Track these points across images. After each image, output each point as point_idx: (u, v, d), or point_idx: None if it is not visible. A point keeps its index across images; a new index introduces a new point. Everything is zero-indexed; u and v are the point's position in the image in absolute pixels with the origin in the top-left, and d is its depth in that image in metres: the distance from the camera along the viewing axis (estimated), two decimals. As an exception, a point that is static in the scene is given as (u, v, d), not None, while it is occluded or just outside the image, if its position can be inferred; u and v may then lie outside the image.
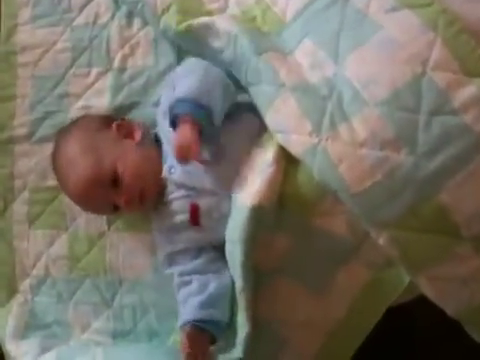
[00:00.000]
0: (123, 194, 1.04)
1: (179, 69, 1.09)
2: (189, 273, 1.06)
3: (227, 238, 0.99)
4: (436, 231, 0.85)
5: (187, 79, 1.00)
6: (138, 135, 1.11)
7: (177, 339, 1.12)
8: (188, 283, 1.06)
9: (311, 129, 0.90)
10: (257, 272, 0.99)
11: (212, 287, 1.03)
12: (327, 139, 0.88)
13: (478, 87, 0.83)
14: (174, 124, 0.98)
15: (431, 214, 0.85)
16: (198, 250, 1.08)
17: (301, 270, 0.98)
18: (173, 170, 1.06)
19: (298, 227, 0.95)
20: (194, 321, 1.00)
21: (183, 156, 0.94)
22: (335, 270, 0.96)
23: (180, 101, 0.97)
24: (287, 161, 0.95)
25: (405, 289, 0.94)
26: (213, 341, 1.02)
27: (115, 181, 1.05)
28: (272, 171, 0.93)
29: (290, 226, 0.96)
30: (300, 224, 0.95)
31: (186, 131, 0.94)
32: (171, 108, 0.98)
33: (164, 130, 1.09)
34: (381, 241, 0.87)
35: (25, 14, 1.30)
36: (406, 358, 1.35)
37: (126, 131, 1.11)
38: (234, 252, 0.97)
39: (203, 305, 1.01)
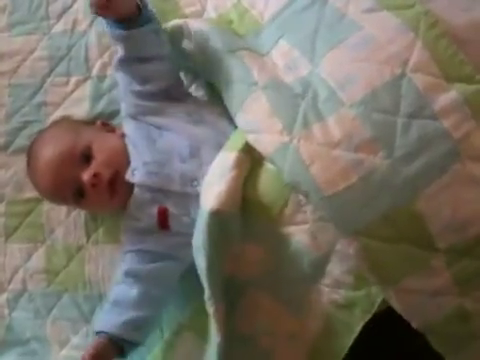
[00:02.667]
0: (92, 169, 1.01)
1: None
2: (135, 275, 1.04)
3: (193, 245, 0.96)
4: (410, 241, 0.83)
5: None
6: (120, 132, 1.11)
7: (157, 355, 1.09)
8: (129, 287, 1.03)
9: (282, 127, 0.87)
10: (234, 283, 0.96)
11: (146, 308, 1.02)
12: (299, 139, 0.86)
13: (459, 92, 0.81)
14: None
15: (405, 223, 0.82)
16: (160, 256, 1.04)
17: (276, 285, 0.96)
18: (135, 172, 1.03)
19: (266, 236, 0.93)
20: (112, 335, 0.98)
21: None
22: (306, 290, 0.93)
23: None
24: (252, 165, 0.93)
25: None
26: (120, 356, 1.00)
27: (87, 157, 1.02)
28: (233, 175, 0.91)
29: (259, 235, 0.94)
30: (267, 233, 0.92)
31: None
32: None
33: (129, 133, 1.07)
34: (351, 250, 0.84)
35: (1, 21, 1.28)
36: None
37: (109, 128, 1.12)
38: (199, 258, 0.94)
39: (129, 325, 1.00)
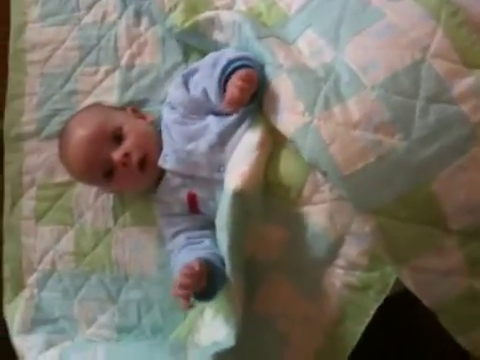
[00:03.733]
0: (123, 149, 1.04)
1: (203, 61, 1.08)
2: (199, 237, 1.06)
3: (216, 226, 0.99)
4: (424, 222, 0.85)
5: (227, 52, 1.02)
6: (150, 118, 1.14)
7: (180, 334, 1.12)
8: (199, 242, 1.04)
9: (304, 108, 0.90)
10: (255, 265, 0.99)
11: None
12: (320, 119, 0.88)
13: (477, 78, 0.83)
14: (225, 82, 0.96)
15: (421, 203, 0.84)
16: (203, 226, 1.08)
17: (294, 268, 0.98)
18: (167, 158, 1.06)
19: (286, 217, 0.95)
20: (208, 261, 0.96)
21: (248, 80, 0.92)
22: (322, 273, 0.96)
23: (233, 60, 0.96)
24: (274, 146, 0.96)
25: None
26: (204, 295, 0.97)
27: (118, 138, 1.05)
28: (256, 156, 0.94)
29: (279, 216, 0.96)
30: (287, 213, 0.95)
31: (249, 71, 0.93)
32: (224, 68, 0.96)
33: (166, 120, 1.09)
34: (367, 229, 0.87)
35: (34, 12, 1.32)
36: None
37: (140, 114, 1.15)
38: (221, 238, 0.96)
39: (214, 255, 0.98)
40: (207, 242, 1.04)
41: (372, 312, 0.94)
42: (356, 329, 0.96)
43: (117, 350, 1.16)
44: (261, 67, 0.98)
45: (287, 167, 0.95)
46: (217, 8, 1.16)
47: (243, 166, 0.94)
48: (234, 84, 0.92)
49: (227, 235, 0.94)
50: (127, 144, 1.05)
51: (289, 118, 0.92)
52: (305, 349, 1.01)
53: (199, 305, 1.08)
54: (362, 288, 0.94)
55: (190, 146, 1.04)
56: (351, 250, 0.92)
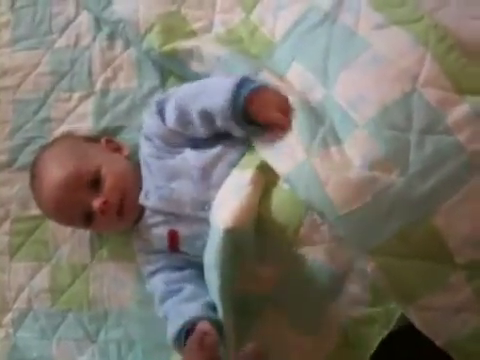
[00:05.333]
0: (102, 197, 0.99)
1: (179, 89, 1.02)
2: (178, 281, 1.01)
3: (205, 264, 0.94)
4: (428, 258, 0.82)
5: (215, 79, 0.99)
6: (126, 151, 1.09)
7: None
8: (178, 291, 0.99)
9: (300, 147, 0.87)
10: (248, 300, 0.95)
11: (208, 297, 0.94)
12: (317, 159, 0.85)
13: (471, 105, 0.80)
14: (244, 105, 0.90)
15: (423, 239, 0.81)
16: (182, 266, 1.03)
17: (291, 303, 0.94)
18: (149, 196, 1.02)
19: (281, 255, 0.91)
20: (199, 318, 0.90)
21: (285, 109, 0.89)
22: (324, 308, 0.92)
23: (245, 80, 0.91)
24: (266, 184, 0.92)
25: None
26: None
27: (96, 182, 1.00)
28: (248, 192, 0.89)
29: (273, 254, 0.92)
30: (282, 252, 0.91)
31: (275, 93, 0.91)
32: (237, 90, 0.90)
33: (144, 154, 1.05)
34: (369, 269, 0.84)
35: (5, 36, 1.26)
36: None
37: (115, 146, 1.10)
38: (211, 278, 0.92)
39: (211, 307, 0.92)
40: (187, 291, 0.98)
41: (376, 344, 0.91)
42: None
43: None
44: None
45: (282, 205, 0.90)
46: (194, 31, 1.12)
47: (234, 202, 0.88)
48: None
49: (218, 275, 0.89)
50: (106, 190, 1.00)
51: (284, 156, 0.88)
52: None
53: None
54: (365, 322, 0.90)
55: (172, 183, 0.99)
56: (354, 286, 0.89)
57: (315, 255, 0.88)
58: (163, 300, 1.00)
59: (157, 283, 1.02)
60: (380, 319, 0.89)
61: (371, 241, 0.82)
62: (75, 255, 1.18)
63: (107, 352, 1.15)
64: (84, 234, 1.18)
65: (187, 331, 0.90)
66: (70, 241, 1.18)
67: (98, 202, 0.99)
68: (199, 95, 0.95)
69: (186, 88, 1.00)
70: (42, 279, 1.19)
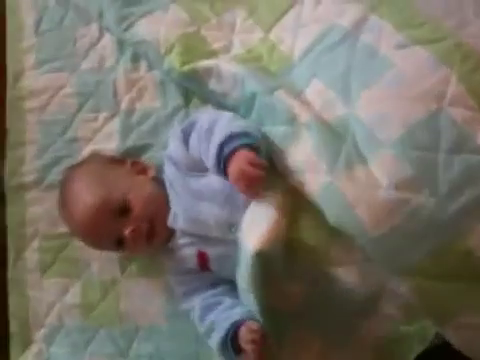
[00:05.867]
0: (131, 224, 1.00)
1: (200, 119, 1.02)
2: (214, 296, 1.03)
3: (239, 287, 0.96)
4: (462, 278, 0.82)
5: (223, 120, 0.96)
6: (152, 172, 1.10)
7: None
8: (218, 303, 1.01)
9: (325, 168, 0.87)
10: (280, 318, 0.95)
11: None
12: (343, 180, 0.85)
13: None
14: (225, 163, 0.90)
15: (456, 259, 0.81)
16: (215, 283, 1.05)
17: (322, 320, 0.94)
18: (177, 218, 1.02)
19: (311, 276, 0.91)
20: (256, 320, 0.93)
21: (252, 184, 0.88)
22: (356, 325, 0.92)
23: (231, 137, 0.90)
24: (294, 205, 0.91)
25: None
26: None
27: (124, 210, 1.01)
28: (276, 215, 0.89)
29: (302, 274, 0.92)
30: (314, 272, 0.91)
31: (251, 156, 0.87)
32: (221, 146, 0.90)
33: (169, 176, 1.06)
34: (403, 290, 0.84)
35: (30, 59, 1.29)
36: None
37: (140, 168, 1.10)
38: (248, 300, 0.93)
39: (251, 314, 0.94)
40: (227, 302, 1.00)
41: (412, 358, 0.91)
42: None
43: None
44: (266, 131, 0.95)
45: (311, 227, 0.90)
46: (214, 51, 1.13)
47: (262, 225, 0.89)
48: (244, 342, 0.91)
49: (254, 297, 0.90)
50: (135, 217, 1.01)
51: (310, 178, 0.88)
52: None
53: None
54: (400, 340, 0.90)
55: (198, 206, 1.00)
56: (388, 306, 0.89)
57: (347, 276, 0.88)
58: (204, 315, 1.01)
59: (194, 301, 1.04)
60: (415, 336, 0.88)
61: (403, 262, 0.82)
62: (105, 271, 1.20)
63: (139, 367, 1.17)
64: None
65: (235, 333, 0.93)
66: (100, 258, 1.20)
67: (128, 230, 1.00)
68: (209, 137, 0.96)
69: (205, 121, 0.99)
70: (73, 295, 1.21)
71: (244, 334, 0.91)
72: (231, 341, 0.94)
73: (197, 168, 1.02)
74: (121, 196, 1.02)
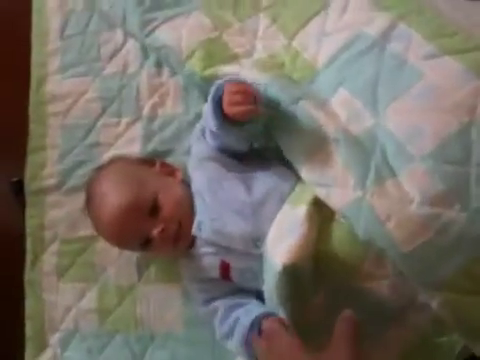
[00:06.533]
0: (160, 225, 1.00)
1: None
2: (240, 298, 1.02)
3: (266, 298, 0.94)
4: None
5: None
6: (180, 175, 1.10)
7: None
8: (241, 305, 1.00)
9: (354, 182, 0.86)
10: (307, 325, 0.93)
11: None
12: (372, 194, 0.84)
13: None
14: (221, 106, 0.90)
15: None
16: (237, 291, 1.03)
17: None
18: (202, 227, 1.01)
19: (342, 289, 0.90)
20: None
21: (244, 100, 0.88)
22: (383, 333, 0.90)
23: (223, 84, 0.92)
24: (323, 219, 0.90)
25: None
26: None
27: (154, 210, 1.01)
28: (304, 229, 0.87)
29: (334, 288, 0.90)
30: (344, 286, 0.89)
31: (233, 84, 0.89)
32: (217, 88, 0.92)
33: (196, 184, 1.05)
34: (434, 305, 0.82)
35: (54, 63, 1.30)
36: None
37: (169, 170, 1.11)
38: (278, 312, 0.91)
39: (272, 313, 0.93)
40: (250, 304, 0.99)
41: None
42: None
43: None
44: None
45: (342, 241, 0.89)
46: (235, 55, 1.12)
47: (290, 240, 0.87)
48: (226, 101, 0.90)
49: (285, 312, 0.89)
50: (164, 217, 1.01)
51: (339, 193, 0.87)
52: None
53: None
54: (427, 351, 0.89)
55: (225, 217, 0.98)
56: (417, 316, 0.88)
57: (378, 289, 0.87)
58: (229, 313, 1.00)
59: (216, 306, 1.03)
60: (443, 348, 0.87)
61: (435, 277, 0.81)
62: (122, 276, 1.19)
63: (153, 373, 1.16)
64: (131, 256, 1.19)
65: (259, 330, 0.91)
66: (117, 262, 1.20)
67: (157, 230, 1.00)
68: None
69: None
70: (89, 300, 1.21)
71: (267, 323, 0.89)
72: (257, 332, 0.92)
73: (226, 161, 1.03)
74: (151, 196, 1.01)
